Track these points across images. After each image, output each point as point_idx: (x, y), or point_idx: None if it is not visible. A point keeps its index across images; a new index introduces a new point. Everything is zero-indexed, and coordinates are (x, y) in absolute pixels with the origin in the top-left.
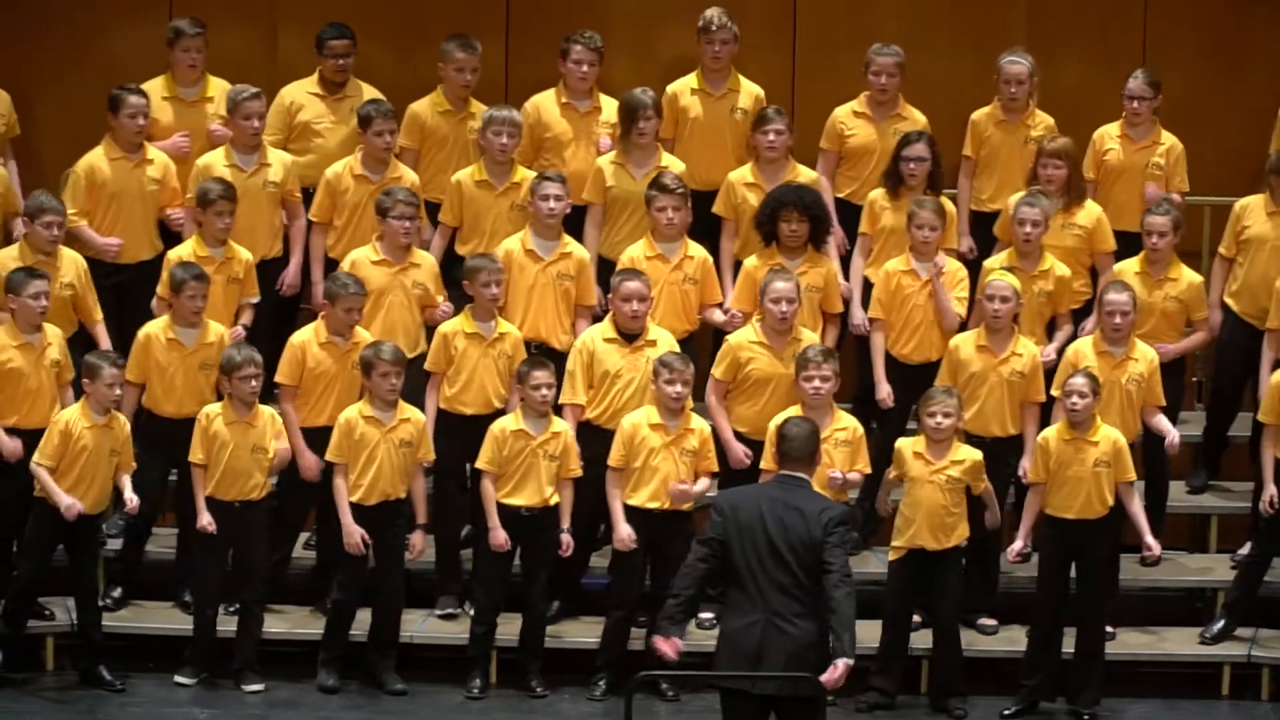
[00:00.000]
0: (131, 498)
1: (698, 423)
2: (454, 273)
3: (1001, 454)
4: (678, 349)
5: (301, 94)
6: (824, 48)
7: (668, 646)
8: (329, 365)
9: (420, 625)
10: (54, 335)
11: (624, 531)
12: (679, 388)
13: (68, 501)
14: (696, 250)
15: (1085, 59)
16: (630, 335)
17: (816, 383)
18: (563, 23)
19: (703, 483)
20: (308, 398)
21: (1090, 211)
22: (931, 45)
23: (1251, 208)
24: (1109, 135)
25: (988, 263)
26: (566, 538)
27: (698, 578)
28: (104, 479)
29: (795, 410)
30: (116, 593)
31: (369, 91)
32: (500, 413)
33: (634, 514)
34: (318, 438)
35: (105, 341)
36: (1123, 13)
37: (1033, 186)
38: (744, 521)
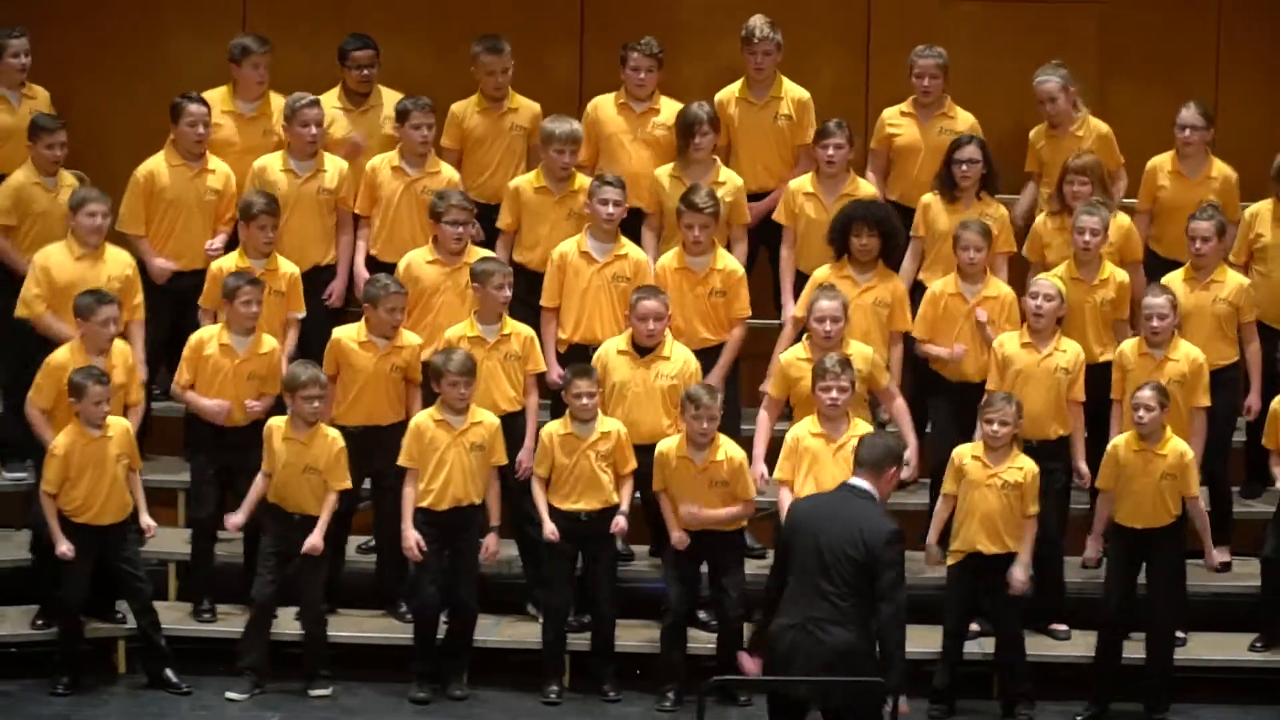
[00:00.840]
0: (148, 523)
1: (728, 452)
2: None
3: (1052, 458)
4: (694, 364)
5: (327, 108)
6: (897, 51)
7: (750, 664)
8: (365, 364)
9: (493, 630)
10: (120, 357)
11: (678, 535)
12: (705, 424)
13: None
14: (725, 262)
15: (1153, 77)
16: (645, 349)
17: (834, 393)
18: (636, 28)
19: (733, 510)
20: (344, 395)
21: (1119, 223)
22: (1004, 50)
23: (1261, 215)
24: (1162, 170)
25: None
26: (620, 519)
27: (773, 592)
28: (115, 485)
29: (813, 420)
30: (205, 604)
31: (393, 98)
32: (509, 415)
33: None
34: (353, 439)
35: (139, 344)
36: (1193, 33)
37: (1053, 203)
38: (800, 527)
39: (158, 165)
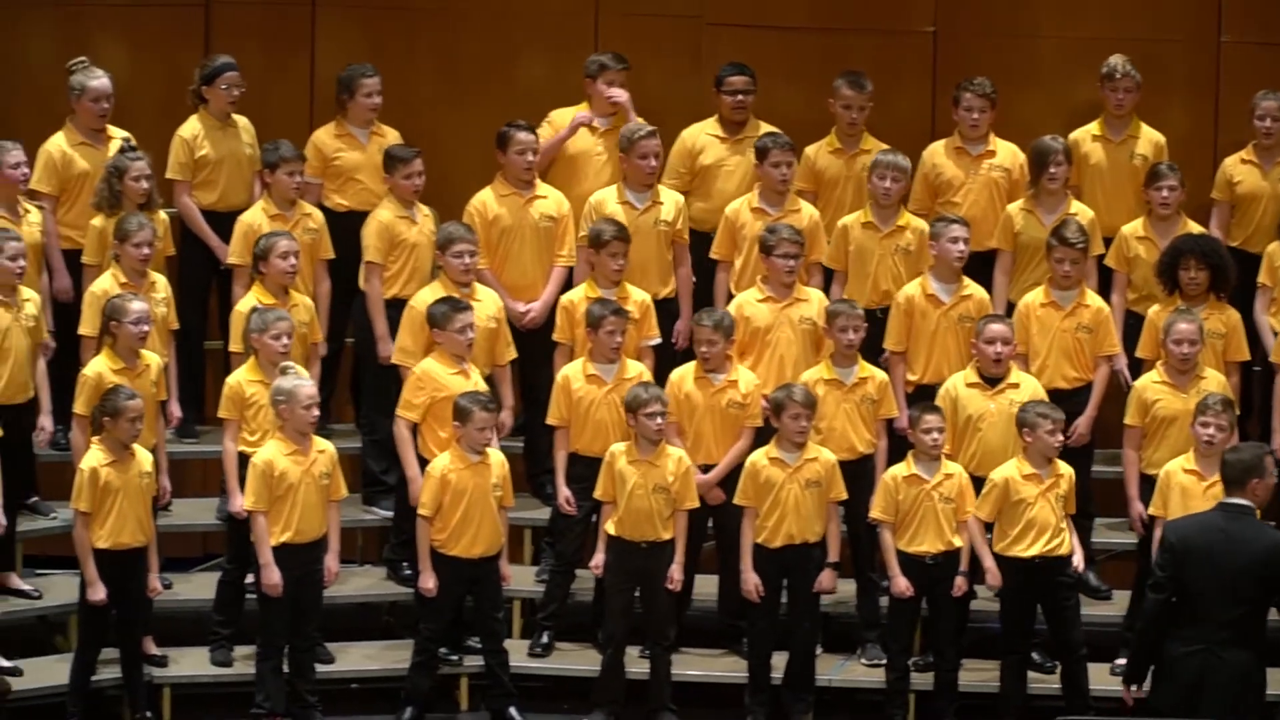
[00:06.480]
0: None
1: (1068, 469)
2: None
3: None
4: (1042, 394)
5: (703, 136)
6: (1246, 97)
7: (1129, 695)
8: (698, 401)
9: (838, 668)
10: (475, 373)
11: (996, 577)
12: (1060, 437)
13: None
14: (1093, 299)
15: None
16: (993, 379)
17: (1212, 429)
18: (991, 69)
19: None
20: (683, 440)
21: None
22: None
23: None
24: None
25: None
26: (960, 580)
27: (1157, 620)
28: (488, 517)
29: (1187, 458)
30: (545, 638)
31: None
32: (862, 458)
33: (1013, 565)
34: None
35: (506, 388)
36: None
37: None
38: (1193, 552)
39: (488, 196)
